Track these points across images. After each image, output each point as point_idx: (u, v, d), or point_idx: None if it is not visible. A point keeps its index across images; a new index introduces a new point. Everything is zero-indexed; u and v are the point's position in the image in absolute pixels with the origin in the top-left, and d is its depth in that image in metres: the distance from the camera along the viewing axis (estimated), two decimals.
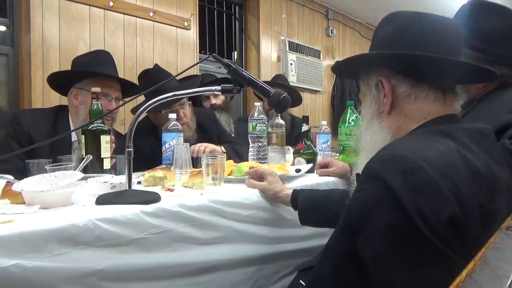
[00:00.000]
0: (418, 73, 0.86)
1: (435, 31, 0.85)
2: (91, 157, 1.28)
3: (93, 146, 1.34)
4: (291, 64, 4.52)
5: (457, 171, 0.69)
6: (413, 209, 0.64)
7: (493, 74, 0.90)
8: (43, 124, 1.74)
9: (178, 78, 2.10)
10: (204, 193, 1.20)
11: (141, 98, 2.06)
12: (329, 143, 2.04)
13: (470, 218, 0.68)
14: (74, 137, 1.76)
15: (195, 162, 1.71)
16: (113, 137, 1.49)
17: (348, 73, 1.14)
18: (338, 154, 1.95)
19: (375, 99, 0.91)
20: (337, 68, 1.10)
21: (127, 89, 1.92)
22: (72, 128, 1.77)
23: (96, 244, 0.87)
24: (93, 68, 1.78)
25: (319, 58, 5.00)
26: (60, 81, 1.86)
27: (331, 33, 5.23)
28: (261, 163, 1.68)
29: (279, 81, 3.22)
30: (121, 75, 2.14)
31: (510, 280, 0.45)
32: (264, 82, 1.22)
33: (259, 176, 1.35)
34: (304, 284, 1.06)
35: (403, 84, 0.87)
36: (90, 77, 1.77)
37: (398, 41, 0.87)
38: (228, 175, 1.46)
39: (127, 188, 1.08)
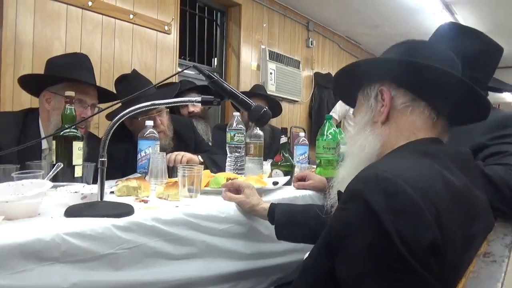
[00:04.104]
0: (419, 88, 0.87)
1: (443, 58, 0.90)
2: (62, 165, 1.22)
3: (65, 153, 1.28)
4: (270, 73, 4.54)
5: (440, 195, 0.70)
6: (394, 232, 0.64)
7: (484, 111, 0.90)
8: (11, 129, 1.61)
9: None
10: (180, 205, 1.16)
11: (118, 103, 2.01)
12: (306, 154, 2.03)
13: (451, 243, 0.68)
14: (44, 144, 1.64)
15: (171, 171, 1.67)
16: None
17: (348, 87, 1.03)
18: (315, 167, 1.95)
19: (372, 108, 0.92)
20: (338, 79, 1.02)
21: (104, 95, 1.84)
22: (42, 134, 1.66)
23: (63, 260, 0.82)
24: (71, 73, 1.68)
25: (299, 68, 5.05)
26: (32, 83, 1.75)
27: (311, 44, 5.29)
28: (238, 173, 1.66)
29: (259, 91, 3.17)
30: (97, 77, 2.08)
31: None
32: (243, 92, 1.20)
33: (236, 189, 1.33)
34: None
35: (403, 96, 0.88)
36: (66, 81, 1.67)
37: (408, 55, 0.90)
38: (205, 186, 1.43)
39: (99, 200, 1.04)
